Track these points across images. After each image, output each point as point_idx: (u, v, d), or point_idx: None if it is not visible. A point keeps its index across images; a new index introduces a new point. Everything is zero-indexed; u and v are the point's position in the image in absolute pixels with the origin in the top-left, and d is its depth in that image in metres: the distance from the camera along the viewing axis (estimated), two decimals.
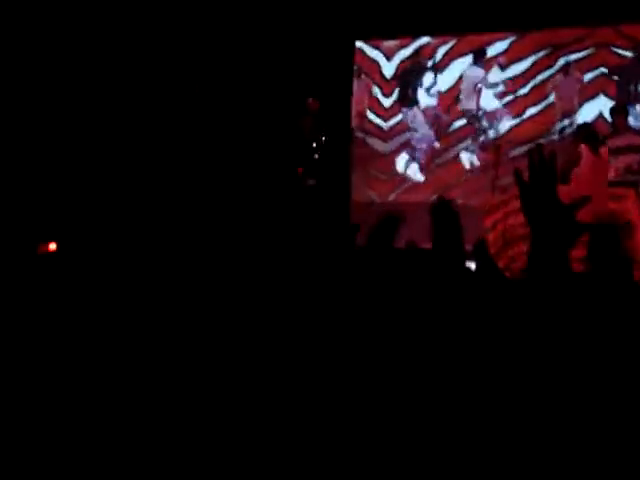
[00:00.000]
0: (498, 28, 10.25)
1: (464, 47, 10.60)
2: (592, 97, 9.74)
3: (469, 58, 10.51)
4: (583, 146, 7.65)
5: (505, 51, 10.34)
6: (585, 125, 8.62)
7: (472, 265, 7.80)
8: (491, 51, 10.44)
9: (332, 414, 3.18)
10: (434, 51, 10.78)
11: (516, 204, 7.60)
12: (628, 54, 9.55)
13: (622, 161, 8.11)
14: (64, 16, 9.40)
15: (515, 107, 10.21)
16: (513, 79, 10.25)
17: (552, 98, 10.00)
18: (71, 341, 3.24)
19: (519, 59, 10.22)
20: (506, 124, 10.21)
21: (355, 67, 11.29)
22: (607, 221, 6.85)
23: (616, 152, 8.14)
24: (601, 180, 7.57)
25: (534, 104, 10.06)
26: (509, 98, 10.28)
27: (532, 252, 2.55)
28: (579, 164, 7.57)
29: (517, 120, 10.16)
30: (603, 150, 7.90)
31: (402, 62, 11.04)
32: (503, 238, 7.67)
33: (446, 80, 10.69)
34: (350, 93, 11.19)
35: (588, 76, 9.82)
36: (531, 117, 10.08)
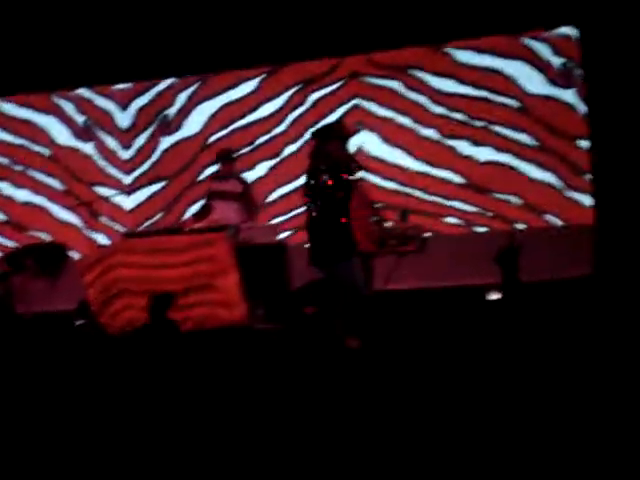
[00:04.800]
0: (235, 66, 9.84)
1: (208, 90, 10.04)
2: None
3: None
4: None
5: (254, 91, 9.90)
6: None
7: (80, 322, 7.55)
8: (238, 92, 9.95)
9: None
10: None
11: (115, 259, 7.47)
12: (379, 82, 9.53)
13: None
14: None
15: (272, 147, 9.78)
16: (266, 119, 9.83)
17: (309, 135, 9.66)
18: None
19: (270, 98, 9.83)
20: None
21: (84, 119, 10.28)
22: None
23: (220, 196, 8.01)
24: None
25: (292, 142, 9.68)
26: (265, 138, 9.81)
27: None
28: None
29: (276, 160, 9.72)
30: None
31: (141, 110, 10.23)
32: (103, 295, 7.47)
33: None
34: None
35: (342, 109, 9.62)
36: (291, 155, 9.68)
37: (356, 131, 6.88)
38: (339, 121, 7.02)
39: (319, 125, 6.45)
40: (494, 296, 6.41)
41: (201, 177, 9.87)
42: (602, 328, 5.31)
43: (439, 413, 4.14)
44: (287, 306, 6.74)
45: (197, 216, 8.04)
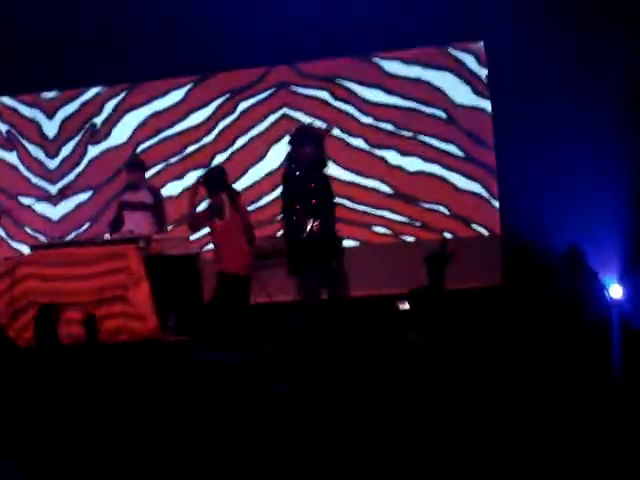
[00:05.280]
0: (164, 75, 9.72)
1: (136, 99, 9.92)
2: (278, 140, 9.46)
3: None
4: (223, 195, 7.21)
5: (183, 100, 9.81)
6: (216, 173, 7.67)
7: None
8: (167, 101, 9.85)
9: None
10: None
11: (24, 271, 7.36)
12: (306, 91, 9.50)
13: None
14: None
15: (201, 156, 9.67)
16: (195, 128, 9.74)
17: (238, 144, 9.63)
18: None
19: (199, 107, 9.74)
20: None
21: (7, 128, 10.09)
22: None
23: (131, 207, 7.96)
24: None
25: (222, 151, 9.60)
26: (194, 147, 9.72)
27: None
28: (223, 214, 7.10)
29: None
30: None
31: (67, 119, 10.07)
32: (11, 307, 7.37)
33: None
34: None
35: (271, 118, 9.58)
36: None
37: (329, 130, 6.84)
38: (310, 124, 6.95)
39: (293, 130, 6.43)
40: (403, 306, 6.43)
41: None
42: (509, 338, 5.36)
43: (347, 434, 4.13)
44: (199, 318, 6.67)
45: (110, 228, 7.95)
